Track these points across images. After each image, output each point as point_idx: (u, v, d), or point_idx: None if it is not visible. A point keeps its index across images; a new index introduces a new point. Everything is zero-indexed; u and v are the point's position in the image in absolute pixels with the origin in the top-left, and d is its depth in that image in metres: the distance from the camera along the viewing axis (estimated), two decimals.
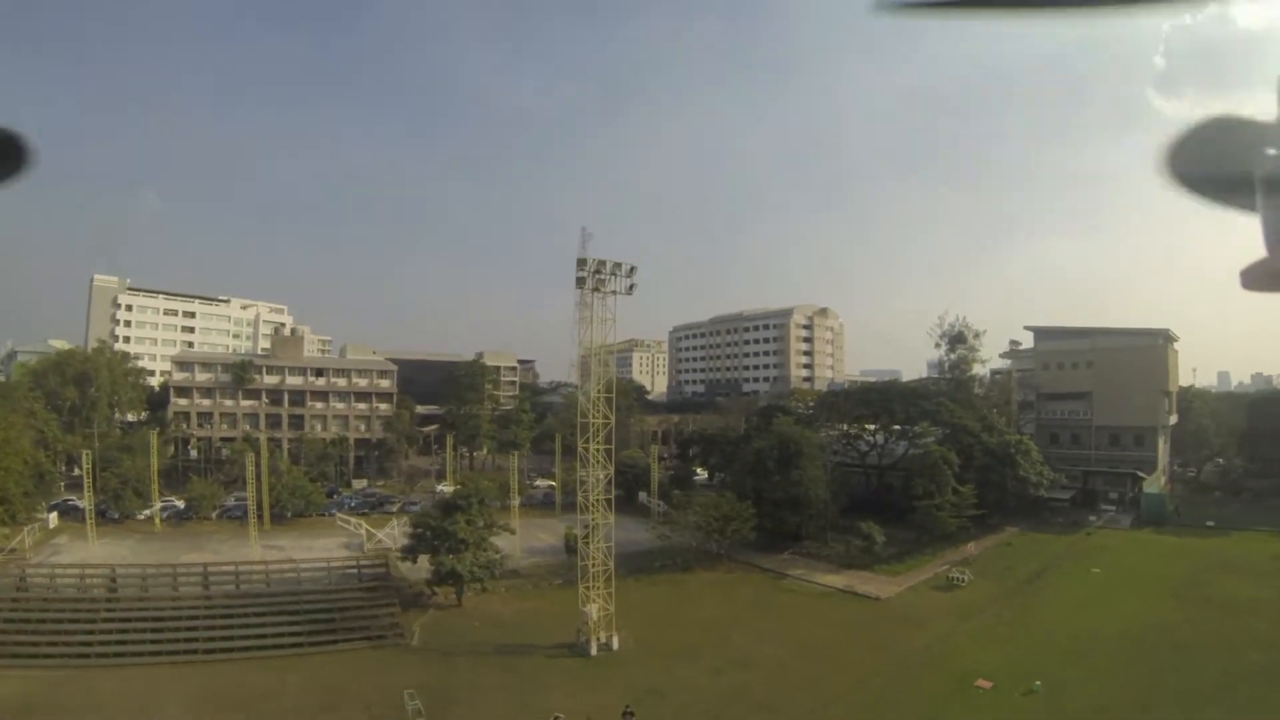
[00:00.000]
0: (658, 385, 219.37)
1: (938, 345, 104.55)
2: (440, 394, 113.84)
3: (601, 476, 45.14)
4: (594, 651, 42.09)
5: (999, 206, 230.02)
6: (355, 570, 52.11)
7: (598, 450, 44.90)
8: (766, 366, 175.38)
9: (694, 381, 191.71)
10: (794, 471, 65.97)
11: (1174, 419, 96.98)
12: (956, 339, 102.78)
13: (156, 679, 36.98)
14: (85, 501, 62.48)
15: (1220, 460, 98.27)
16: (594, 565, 44.20)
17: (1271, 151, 1.17)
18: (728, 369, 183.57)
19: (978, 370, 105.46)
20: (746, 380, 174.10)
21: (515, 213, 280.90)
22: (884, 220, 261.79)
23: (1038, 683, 36.02)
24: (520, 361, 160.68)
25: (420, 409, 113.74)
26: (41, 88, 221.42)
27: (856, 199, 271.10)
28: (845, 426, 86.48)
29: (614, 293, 44.35)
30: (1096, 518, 79.32)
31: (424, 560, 49.53)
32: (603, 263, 43.79)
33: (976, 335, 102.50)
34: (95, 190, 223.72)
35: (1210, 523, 71.30)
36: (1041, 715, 32.87)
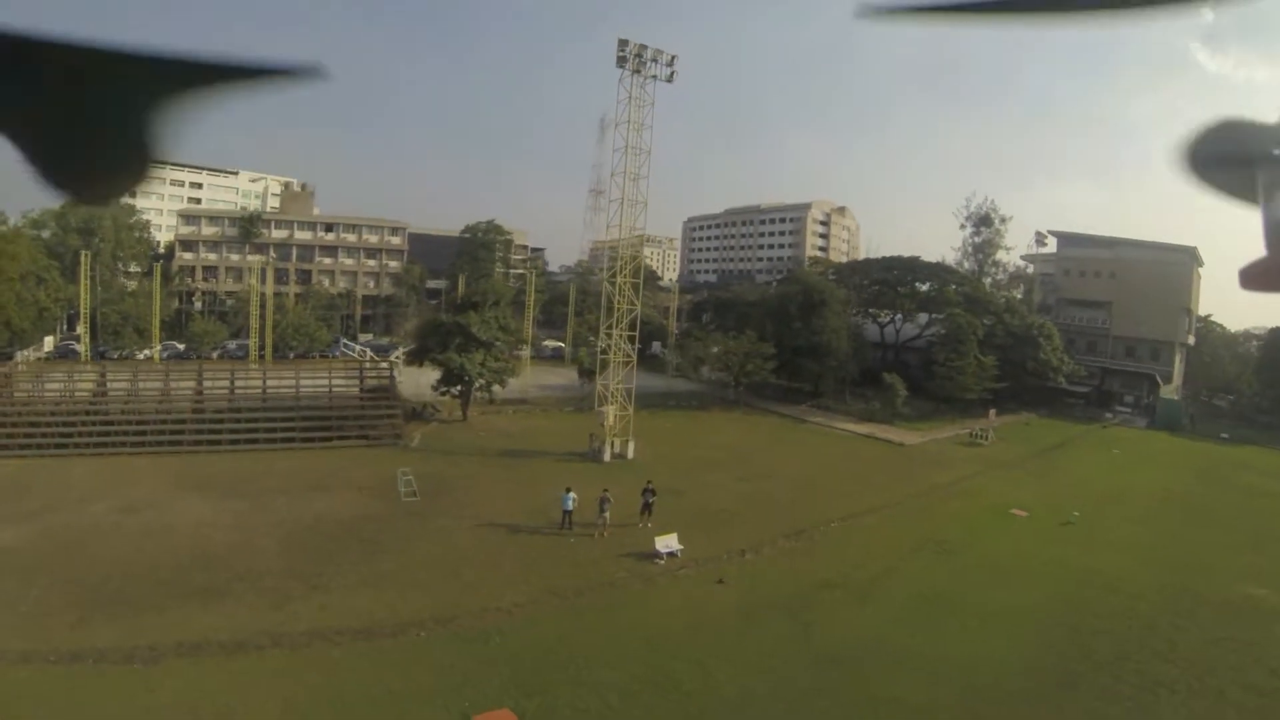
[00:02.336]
0: (669, 278, 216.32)
1: (962, 226, 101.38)
2: (450, 270, 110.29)
3: (622, 360, 42.91)
4: (607, 458, 40.21)
5: (1022, 143, 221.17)
6: (356, 383, 49.22)
7: (621, 336, 42.91)
8: (781, 260, 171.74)
9: (706, 271, 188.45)
10: (816, 320, 63.85)
11: (1192, 339, 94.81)
12: (983, 220, 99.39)
13: (133, 465, 35.22)
14: (82, 336, 60.60)
15: (1231, 397, 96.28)
16: (612, 384, 42.42)
17: (1275, 151, 1.21)
18: (741, 260, 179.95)
19: (1002, 256, 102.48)
20: (760, 272, 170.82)
21: (526, 108, 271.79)
22: (902, 143, 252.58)
23: (1075, 513, 35.09)
24: (531, 249, 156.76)
25: (430, 284, 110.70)
26: None
27: (875, 113, 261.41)
28: (869, 286, 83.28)
29: (654, 77, 42.47)
30: (1112, 415, 78.28)
31: (428, 380, 47.75)
32: (644, 46, 42.02)
33: (1003, 220, 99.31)
34: None
35: (1225, 435, 69.58)
36: (1082, 541, 31.22)
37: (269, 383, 48.30)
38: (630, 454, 41.20)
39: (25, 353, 56.67)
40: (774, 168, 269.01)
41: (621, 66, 41.86)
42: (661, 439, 44.61)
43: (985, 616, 22.28)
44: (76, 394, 44.80)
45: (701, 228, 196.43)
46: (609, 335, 43.27)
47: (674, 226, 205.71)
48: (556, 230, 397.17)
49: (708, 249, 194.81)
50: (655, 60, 42.37)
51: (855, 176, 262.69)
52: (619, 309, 42.96)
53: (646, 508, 28.55)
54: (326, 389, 46.83)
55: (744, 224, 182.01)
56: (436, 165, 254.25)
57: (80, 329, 61.13)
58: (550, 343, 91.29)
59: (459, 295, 67.96)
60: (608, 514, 27.40)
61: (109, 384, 46.52)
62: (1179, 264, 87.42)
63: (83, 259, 64.57)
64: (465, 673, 17.22)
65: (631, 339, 43.92)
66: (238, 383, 48.21)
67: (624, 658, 18.39)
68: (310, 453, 39.07)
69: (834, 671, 18.35)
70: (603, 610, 21.21)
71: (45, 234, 78.60)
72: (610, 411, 41.27)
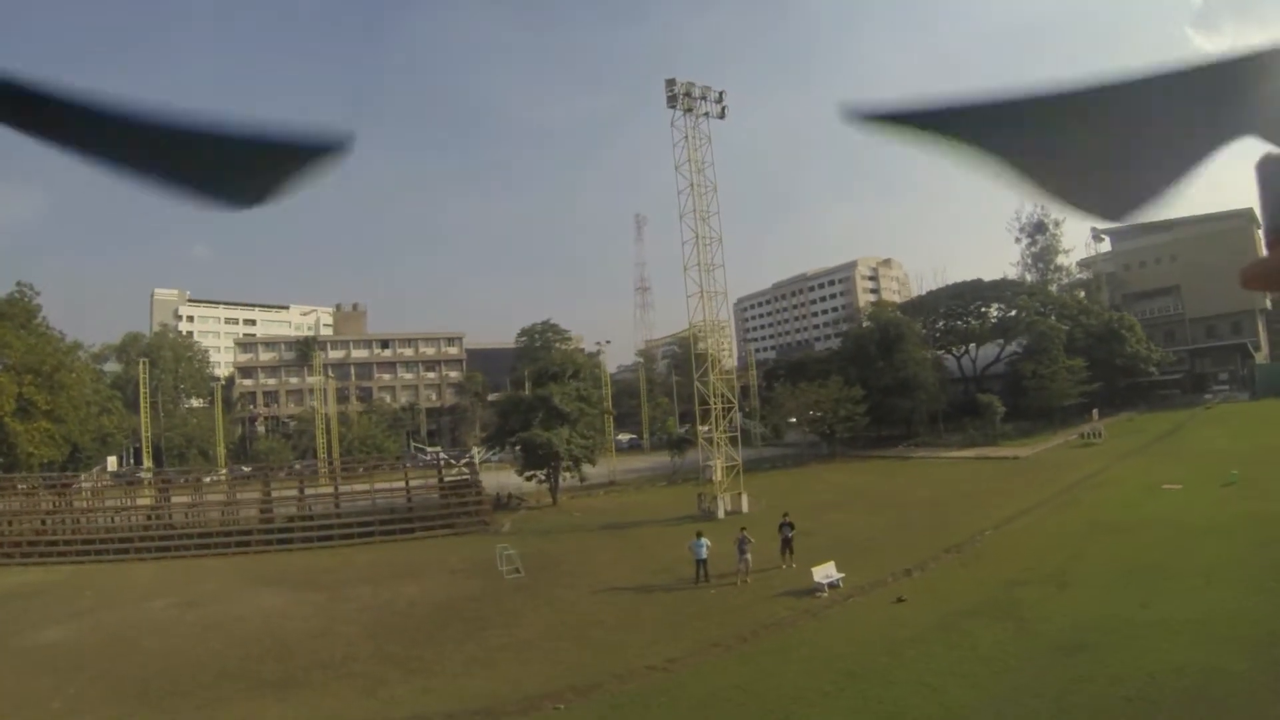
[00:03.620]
0: (727, 364, 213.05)
1: (1017, 240, 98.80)
2: (512, 377, 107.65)
3: (723, 463, 39.65)
4: (721, 515, 36.42)
5: None
6: (436, 480, 45.69)
7: (722, 437, 40.15)
8: (836, 324, 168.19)
9: (763, 349, 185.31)
10: (898, 355, 60.00)
11: (1269, 304, 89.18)
12: (1037, 228, 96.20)
13: (198, 565, 32.78)
14: (145, 460, 58.96)
15: None
16: (715, 434, 39.21)
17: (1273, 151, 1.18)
18: (797, 331, 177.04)
19: (1062, 260, 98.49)
20: (818, 340, 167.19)
21: (562, 223, 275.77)
22: (932, 183, 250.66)
23: (1234, 472, 32.27)
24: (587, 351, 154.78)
25: (491, 397, 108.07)
26: None
27: (899, 160, 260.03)
28: (939, 322, 78.95)
29: (706, 115, 41.21)
30: (1211, 395, 74.80)
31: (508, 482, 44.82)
32: (691, 84, 40.89)
33: (1056, 223, 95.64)
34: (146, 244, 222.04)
35: None
36: (1256, 495, 28.13)
37: (341, 491, 45.07)
38: (745, 507, 37.42)
39: (90, 473, 55.04)
40: (812, 239, 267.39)
41: (673, 107, 40.81)
42: (771, 493, 40.76)
43: (1205, 574, 19.48)
44: (137, 504, 43.32)
45: (752, 305, 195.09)
46: (707, 437, 40.88)
47: (722, 310, 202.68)
48: (607, 334, 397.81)
49: (762, 325, 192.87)
50: (704, 98, 41.26)
51: (894, 227, 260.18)
52: (715, 410, 40.53)
53: (786, 544, 24.45)
54: (404, 492, 43.17)
55: (793, 295, 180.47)
56: (483, 284, 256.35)
57: (144, 446, 59.42)
58: (624, 435, 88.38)
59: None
60: (749, 556, 23.04)
61: (172, 497, 44.42)
62: (1238, 229, 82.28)
63: (140, 367, 63.38)
64: None
65: (734, 439, 41.07)
66: (308, 491, 45.27)
67: (829, 694, 14.10)
68: (391, 545, 35.58)
69: (1082, 657, 14.73)
70: (779, 652, 16.78)
71: (107, 367, 78.60)
72: (718, 465, 37.37)
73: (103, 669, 18.59)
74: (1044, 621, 17.13)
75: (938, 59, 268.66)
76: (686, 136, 40.34)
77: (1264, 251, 1.15)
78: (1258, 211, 1.18)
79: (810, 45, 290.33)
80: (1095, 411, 59.16)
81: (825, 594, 20.56)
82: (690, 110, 40.49)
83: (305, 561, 32.58)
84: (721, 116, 41.54)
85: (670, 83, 40.47)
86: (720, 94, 41.41)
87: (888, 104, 1.00)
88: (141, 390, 59.45)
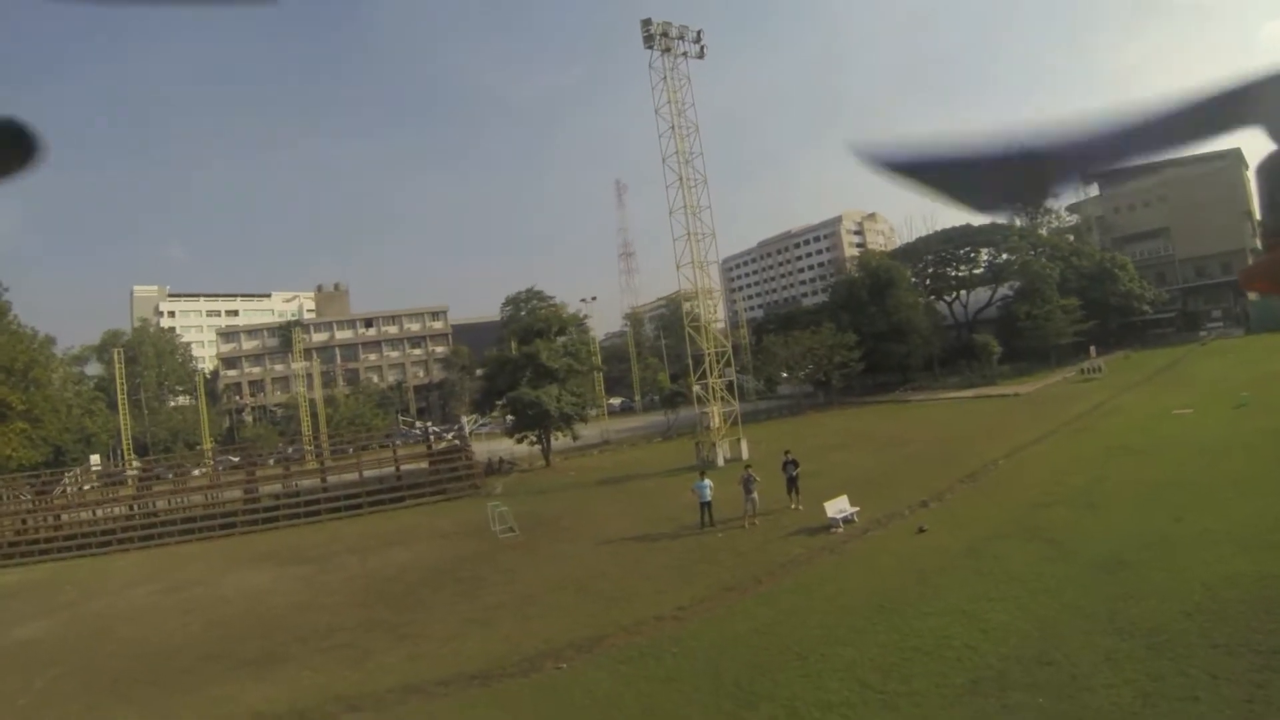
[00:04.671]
0: (717, 324, 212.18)
1: None
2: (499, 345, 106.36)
3: (720, 409, 38.43)
4: (721, 462, 35.33)
5: (1023, 107, 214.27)
6: (424, 451, 44.63)
7: (717, 384, 38.80)
8: (823, 279, 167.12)
9: (752, 308, 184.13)
10: (890, 300, 58.92)
11: (1259, 243, 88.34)
12: None
13: (181, 552, 31.62)
14: (125, 454, 57.42)
15: None
16: (711, 380, 37.62)
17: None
18: (784, 288, 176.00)
19: (1051, 203, 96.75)
20: (805, 296, 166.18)
21: (543, 200, 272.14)
22: (900, 130, 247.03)
23: (1245, 394, 31.85)
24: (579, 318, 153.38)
25: (479, 372, 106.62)
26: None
27: (878, 121, 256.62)
28: (929, 268, 77.88)
29: (684, 55, 39.60)
30: (1206, 332, 75.06)
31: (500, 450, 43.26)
32: (668, 23, 39.18)
33: None
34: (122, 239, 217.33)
35: None
36: (1271, 412, 27.29)
37: (328, 467, 44.10)
38: (745, 453, 36.13)
39: (73, 473, 53.86)
40: (792, 195, 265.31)
41: (649, 47, 39.19)
42: (770, 440, 39.27)
43: (1235, 486, 18.44)
44: (120, 494, 42.16)
45: (738, 265, 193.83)
46: (701, 385, 39.01)
47: (710, 252, 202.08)
48: (594, 306, 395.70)
49: (749, 284, 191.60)
50: (682, 38, 39.67)
51: (875, 183, 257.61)
52: (709, 355, 38.79)
53: (792, 483, 23.14)
54: (393, 465, 41.87)
55: (779, 253, 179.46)
56: (468, 264, 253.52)
57: (123, 440, 57.71)
58: (616, 399, 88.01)
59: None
60: (756, 495, 21.69)
61: (154, 486, 43.53)
62: (1228, 170, 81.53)
63: (116, 356, 61.72)
64: (644, 700, 11.65)
65: (730, 385, 39.94)
66: (294, 471, 44.18)
67: (858, 631, 12.81)
68: (381, 516, 34.45)
69: (1125, 574, 13.77)
70: (800, 590, 15.54)
71: (89, 369, 76.89)
72: (715, 411, 36.14)
73: (77, 661, 17.33)
74: (1078, 541, 16.02)
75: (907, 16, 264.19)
76: (665, 77, 38.75)
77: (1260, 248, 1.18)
78: (1256, 212, 1.19)
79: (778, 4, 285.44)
80: (1093, 348, 58.97)
81: (841, 529, 19.41)
82: (669, 50, 38.85)
83: (292, 539, 31.39)
84: (700, 56, 40.05)
85: (646, 23, 38.76)
86: (698, 33, 39.79)
87: (893, 155, 1.11)
88: (119, 381, 57.54)
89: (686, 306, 42.92)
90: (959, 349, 65.03)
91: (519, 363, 42.28)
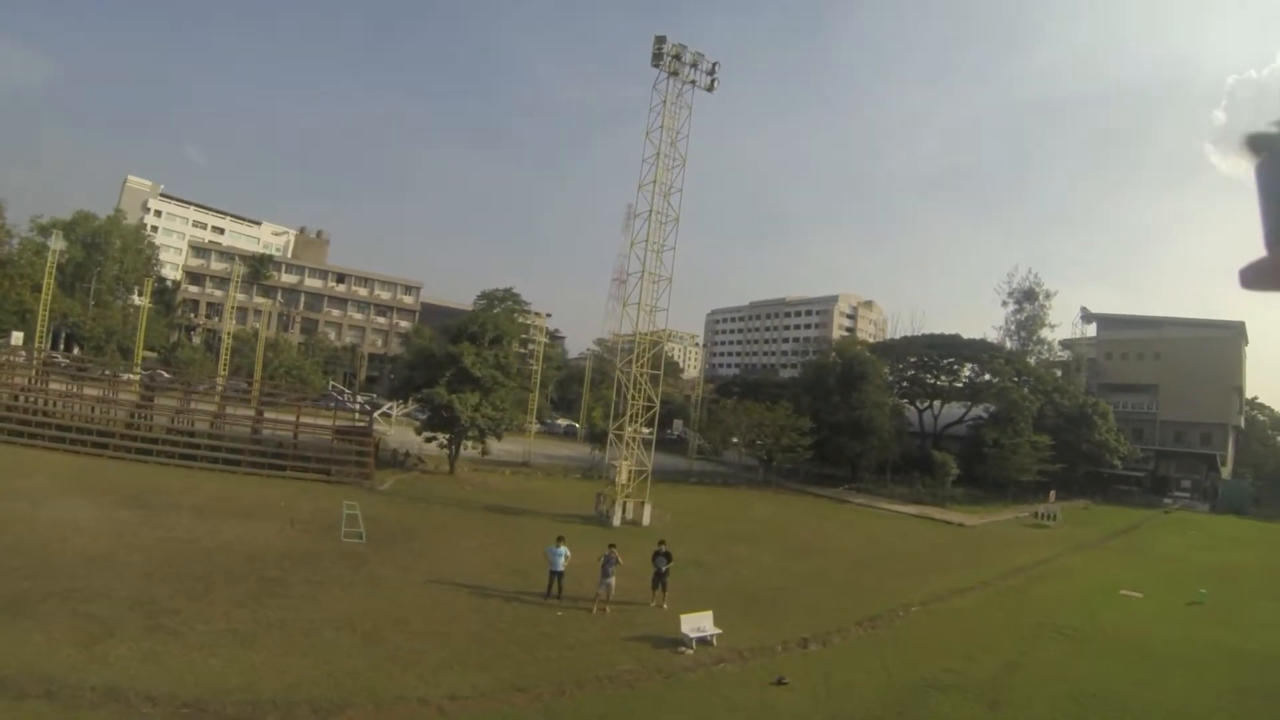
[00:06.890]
0: (691, 373, 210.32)
1: (1004, 303, 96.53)
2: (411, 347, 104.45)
3: (631, 465, 35.26)
4: (617, 522, 32.76)
5: (1036, 245, 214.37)
6: (329, 423, 42.37)
7: (634, 435, 35.59)
8: (804, 354, 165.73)
9: (728, 365, 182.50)
10: (856, 394, 56.73)
11: (1242, 421, 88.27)
12: (1026, 295, 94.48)
13: (36, 458, 30.25)
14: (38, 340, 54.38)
15: None
16: (626, 434, 35.04)
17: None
18: (765, 354, 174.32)
19: (1046, 334, 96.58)
20: (784, 366, 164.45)
21: (552, 200, 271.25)
22: (926, 242, 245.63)
23: (1203, 590, 29.47)
24: (552, 334, 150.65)
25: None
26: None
27: (899, 212, 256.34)
28: (907, 370, 76.01)
29: (692, 83, 37.24)
30: (1171, 500, 73.95)
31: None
32: (683, 46, 36.91)
33: (1047, 295, 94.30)
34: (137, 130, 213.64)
35: None
36: (1226, 622, 25.11)
37: (227, 414, 41.85)
38: (646, 519, 33.67)
39: None
40: (797, 263, 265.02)
41: (657, 66, 37.01)
42: (683, 510, 37.26)
43: None
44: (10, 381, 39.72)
45: (724, 320, 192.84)
46: (621, 429, 35.69)
47: (696, 323, 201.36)
48: (579, 322, 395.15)
49: (730, 341, 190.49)
50: (695, 65, 37.53)
51: (880, 272, 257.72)
52: (634, 403, 35.36)
53: (659, 578, 20.13)
54: (293, 428, 39.24)
55: (768, 317, 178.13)
56: (459, 242, 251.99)
57: (39, 330, 54.48)
58: (564, 421, 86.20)
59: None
60: (612, 579, 19.20)
61: (49, 385, 40.94)
62: (1227, 341, 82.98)
63: (54, 238, 58.91)
64: None
65: (650, 419, 36.75)
66: (192, 407, 41.63)
67: None
68: (253, 480, 32.29)
69: None
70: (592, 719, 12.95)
71: (51, 242, 74.20)
72: (624, 467, 33.72)
73: None
74: None
75: (956, 120, 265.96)
76: (665, 101, 36.51)
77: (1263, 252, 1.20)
78: (1258, 213, 1.21)
79: (834, 72, 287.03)
80: (1053, 493, 56.84)
81: (691, 650, 16.57)
82: (676, 74, 36.79)
83: (151, 478, 29.48)
84: (710, 89, 37.83)
85: (660, 39, 36.61)
86: (713, 65, 37.70)
87: None
88: (49, 264, 54.18)
89: (623, 347, 40.31)
90: (917, 459, 62.60)
91: (441, 361, 40.10)
